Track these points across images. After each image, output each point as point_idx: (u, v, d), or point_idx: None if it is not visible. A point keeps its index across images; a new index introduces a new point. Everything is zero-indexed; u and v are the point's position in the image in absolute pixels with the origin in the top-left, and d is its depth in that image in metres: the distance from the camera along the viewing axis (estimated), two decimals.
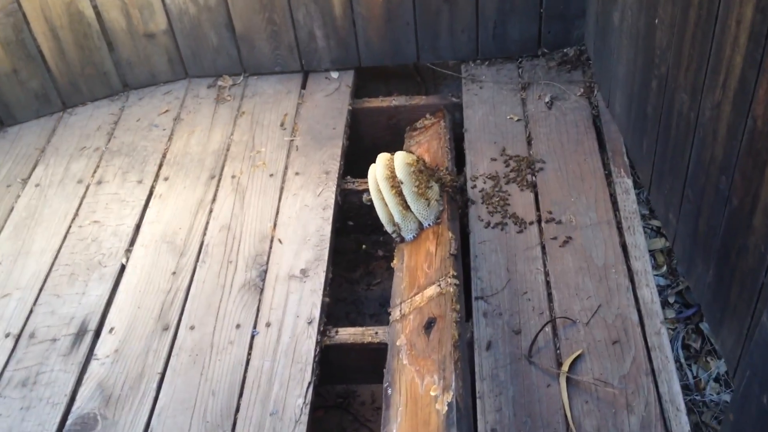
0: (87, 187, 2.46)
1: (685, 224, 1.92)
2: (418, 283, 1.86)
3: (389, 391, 1.62)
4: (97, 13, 2.61)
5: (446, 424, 1.47)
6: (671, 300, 2.23)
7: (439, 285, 1.80)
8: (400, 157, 2.01)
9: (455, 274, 1.84)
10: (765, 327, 1.26)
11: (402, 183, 1.97)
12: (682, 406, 1.72)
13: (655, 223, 2.37)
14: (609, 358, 1.82)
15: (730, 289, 1.69)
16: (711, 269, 1.78)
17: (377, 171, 2.01)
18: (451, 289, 1.78)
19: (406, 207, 2.00)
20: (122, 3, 2.60)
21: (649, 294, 1.96)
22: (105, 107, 2.77)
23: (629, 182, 2.26)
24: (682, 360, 2.10)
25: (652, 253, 2.26)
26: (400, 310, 1.84)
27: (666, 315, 2.10)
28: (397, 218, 2.00)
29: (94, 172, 2.51)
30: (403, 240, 2.06)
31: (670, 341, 2.02)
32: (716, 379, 2.06)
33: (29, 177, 2.52)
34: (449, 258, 1.88)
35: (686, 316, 2.17)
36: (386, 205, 2.02)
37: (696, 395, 2.02)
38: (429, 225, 2.02)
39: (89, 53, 2.68)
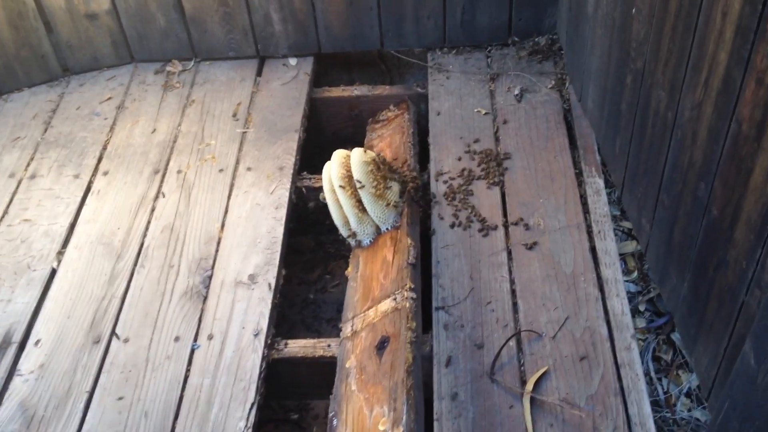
0: (19, 182, 2.27)
1: (659, 231, 1.79)
2: (373, 296, 1.71)
3: (334, 422, 1.47)
4: None
5: None
6: (642, 308, 2.10)
7: (395, 299, 1.65)
8: (357, 156, 1.84)
9: (413, 286, 1.69)
10: (747, 357, 1.13)
11: (359, 184, 1.81)
12: (653, 430, 1.59)
13: (627, 225, 2.23)
14: (576, 376, 1.69)
15: (706, 305, 1.56)
16: (686, 281, 1.65)
17: (332, 170, 1.85)
18: (408, 304, 1.63)
19: (363, 210, 1.84)
20: None
21: (619, 305, 1.83)
22: (43, 93, 2.57)
23: (601, 182, 2.13)
24: (653, 374, 1.97)
25: (622, 257, 2.13)
26: (352, 326, 1.68)
27: (636, 324, 1.97)
28: (352, 222, 1.85)
29: (28, 165, 2.32)
30: (359, 245, 1.91)
31: (641, 353, 1.90)
32: (687, 395, 1.94)
33: None
34: (407, 267, 1.73)
35: (657, 326, 2.04)
36: (341, 207, 1.85)
37: (666, 412, 1.89)
38: (387, 229, 1.87)
39: (25, 34, 2.47)
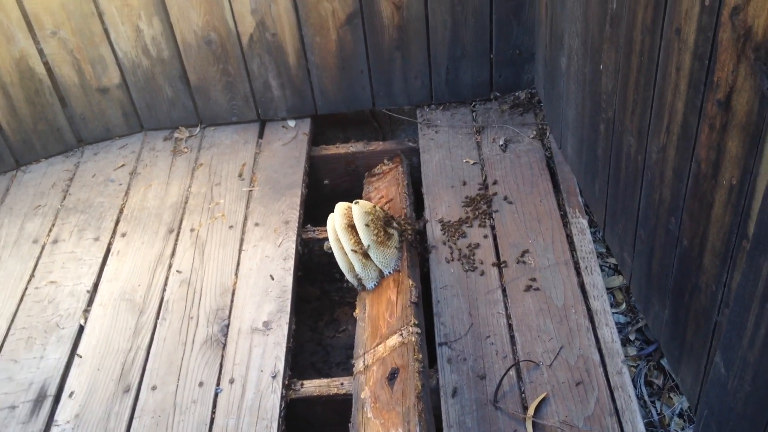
0: (42, 247, 2.42)
1: (639, 264, 1.97)
2: (380, 333, 1.87)
3: None
4: (48, 69, 2.60)
5: None
6: (632, 337, 2.26)
7: (401, 334, 1.81)
8: (358, 208, 2.02)
9: (417, 322, 1.85)
10: (718, 367, 1.29)
11: (362, 234, 1.98)
12: None
13: (612, 261, 2.41)
14: (573, 399, 1.84)
15: (686, 328, 1.73)
16: (667, 308, 1.82)
17: (336, 221, 2.02)
18: (413, 338, 1.79)
19: (366, 256, 2.01)
20: (74, 58, 2.60)
21: (609, 333, 1.99)
22: (59, 164, 2.74)
23: (584, 222, 2.31)
24: (646, 397, 2.12)
25: (610, 290, 2.30)
26: (364, 362, 1.84)
27: (627, 352, 2.13)
28: (357, 268, 2.01)
29: (50, 230, 2.48)
30: (364, 288, 2.07)
31: (633, 379, 2.06)
32: (680, 415, 2.09)
33: None
34: (410, 306, 1.89)
35: (647, 353, 2.20)
36: (346, 254, 2.02)
37: (661, 431, 2.04)
38: (389, 273, 2.03)
39: (41, 109, 2.66)
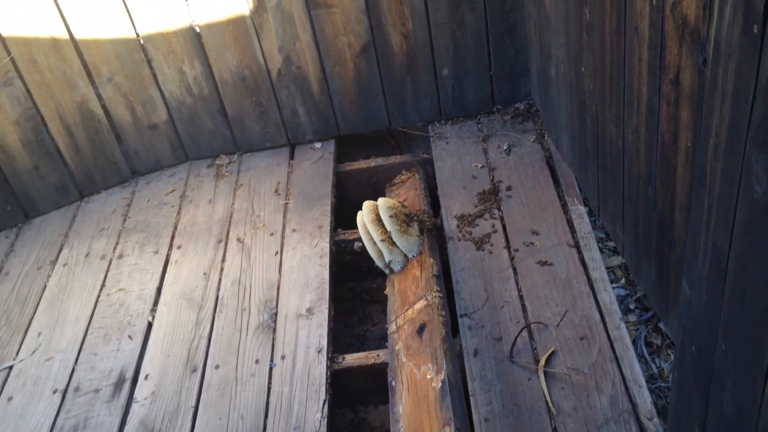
0: (110, 262, 2.77)
1: (629, 234, 2.28)
2: (408, 301, 2.19)
3: (393, 383, 1.93)
4: (106, 111, 2.99)
5: (441, 394, 1.77)
6: (632, 307, 2.55)
7: (426, 299, 2.13)
8: (383, 202, 2.36)
9: (438, 289, 2.17)
10: (685, 290, 1.60)
11: (387, 224, 2.32)
12: (644, 384, 2.03)
13: (611, 244, 2.71)
14: (578, 351, 2.13)
15: (668, 280, 2.03)
16: (653, 267, 2.13)
17: (364, 216, 2.36)
18: (437, 300, 2.11)
19: (393, 243, 2.34)
20: (127, 100, 2.98)
21: (607, 297, 2.29)
22: (117, 193, 3.11)
23: (582, 209, 2.62)
24: (646, 355, 2.41)
25: (611, 269, 2.60)
26: (396, 324, 2.15)
27: (628, 319, 2.42)
28: (385, 254, 2.34)
29: (115, 248, 2.83)
30: (392, 272, 2.39)
31: (634, 340, 2.35)
32: None
33: (57, 258, 2.83)
34: (433, 278, 2.21)
35: (646, 319, 2.49)
36: (375, 243, 2.35)
37: (661, 383, 2.32)
38: (413, 256, 2.36)
39: (100, 146, 3.04)
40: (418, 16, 2.87)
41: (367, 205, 2.41)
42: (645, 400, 1.99)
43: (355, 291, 3.00)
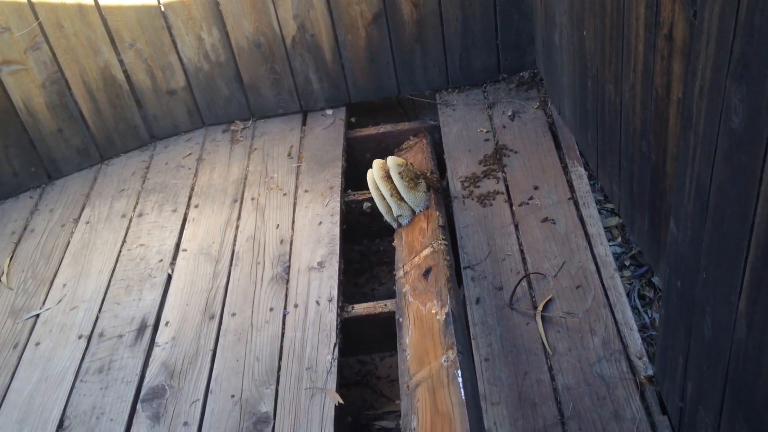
0: (130, 220, 2.90)
1: (624, 189, 2.39)
2: (415, 249, 2.31)
3: (401, 320, 2.05)
4: (127, 76, 3.11)
5: (445, 324, 1.90)
6: (627, 263, 2.66)
7: (432, 246, 2.25)
8: (392, 160, 2.48)
9: (444, 238, 2.29)
10: (672, 229, 1.71)
11: (395, 180, 2.44)
12: (635, 327, 2.15)
13: (609, 205, 2.83)
14: (574, 298, 2.25)
15: (660, 231, 2.14)
16: (646, 219, 2.24)
17: (374, 172, 2.48)
18: (442, 247, 2.23)
19: (401, 198, 2.46)
20: (147, 66, 3.10)
21: (603, 251, 2.41)
22: (137, 156, 3.24)
23: (582, 170, 2.73)
24: (639, 307, 2.52)
25: (608, 229, 2.71)
26: (403, 270, 2.28)
27: (623, 274, 2.54)
28: (393, 208, 2.46)
29: (135, 207, 2.96)
30: (400, 225, 2.52)
31: (628, 293, 2.46)
32: None
33: (79, 217, 2.97)
34: (438, 228, 2.34)
35: (640, 274, 2.61)
36: (384, 199, 2.47)
37: (652, 331, 2.44)
38: (420, 211, 2.48)
39: (121, 111, 3.16)
40: None
41: (377, 163, 2.53)
42: (636, 341, 2.11)
43: (363, 253, 3.12)
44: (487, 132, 3.00)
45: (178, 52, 3.10)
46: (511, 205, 2.62)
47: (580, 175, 2.71)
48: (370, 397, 2.70)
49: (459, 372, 1.77)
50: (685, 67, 1.75)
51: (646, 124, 2.07)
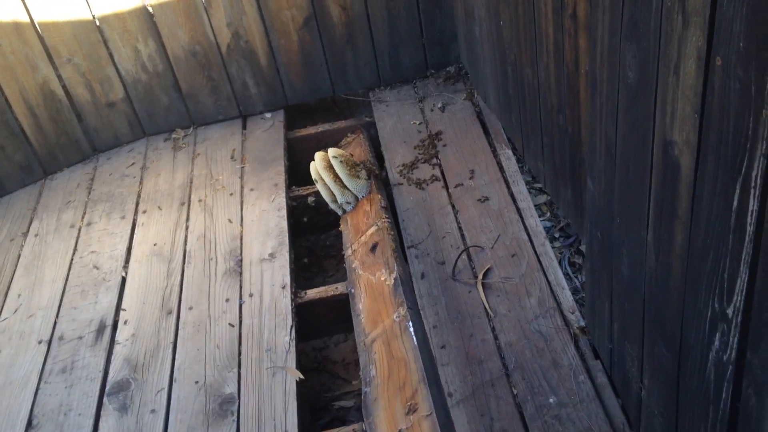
0: (79, 229, 2.97)
1: (548, 164, 2.59)
2: (361, 230, 2.46)
3: (353, 291, 2.20)
4: (66, 91, 3.18)
5: (394, 287, 2.05)
6: (556, 235, 2.87)
7: (377, 225, 2.41)
8: (332, 151, 2.63)
9: (387, 217, 2.45)
10: (589, 187, 1.90)
11: (337, 169, 2.59)
12: (566, 286, 2.34)
13: (537, 185, 3.03)
14: (510, 265, 2.44)
15: (581, 196, 2.34)
16: (569, 188, 2.44)
17: (317, 164, 2.62)
18: (386, 224, 2.39)
19: (344, 186, 2.60)
20: (86, 79, 3.18)
21: (533, 222, 2.60)
22: (80, 169, 3.30)
23: (510, 152, 2.93)
24: (570, 273, 2.72)
25: (537, 206, 2.90)
26: (351, 249, 2.42)
27: (554, 245, 2.73)
28: (338, 195, 2.61)
29: (83, 217, 3.03)
30: (345, 212, 2.66)
31: (559, 261, 2.66)
32: None
33: (28, 230, 3.01)
34: (381, 209, 2.50)
35: (569, 243, 2.81)
36: (328, 188, 2.62)
37: (582, 294, 2.64)
38: (363, 196, 2.63)
39: (62, 125, 3.22)
40: None
41: (318, 154, 2.67)
42: (567, 298, 2.30)
43: (310, 249, 3.25)
44: (420, 124, 3.18)
45: (115, 65, 3.19)
46: (447, 188, 2.80)
47: (508, 156, 2.90)
48: (328, 380, 2.82)
49: (410, 323, 1.92)
50: (588, 42, 1.95)
51: (561, 99, 2.27)
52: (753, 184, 1.03)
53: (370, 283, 2.18)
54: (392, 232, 2.37)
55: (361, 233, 2.44)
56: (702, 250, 1.23)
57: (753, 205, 1.03)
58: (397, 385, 1.80)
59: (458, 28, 3.30)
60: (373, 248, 2.31)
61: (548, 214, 2.91)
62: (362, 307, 2.13)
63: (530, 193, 2.87)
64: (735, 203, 1.06)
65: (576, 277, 2.73)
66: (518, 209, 2.66)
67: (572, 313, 2.25)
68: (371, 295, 2.12)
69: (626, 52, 1.45)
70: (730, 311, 1.19)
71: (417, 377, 1.82)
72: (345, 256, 2.46)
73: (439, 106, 3.24)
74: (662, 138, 1.31)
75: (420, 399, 1.75)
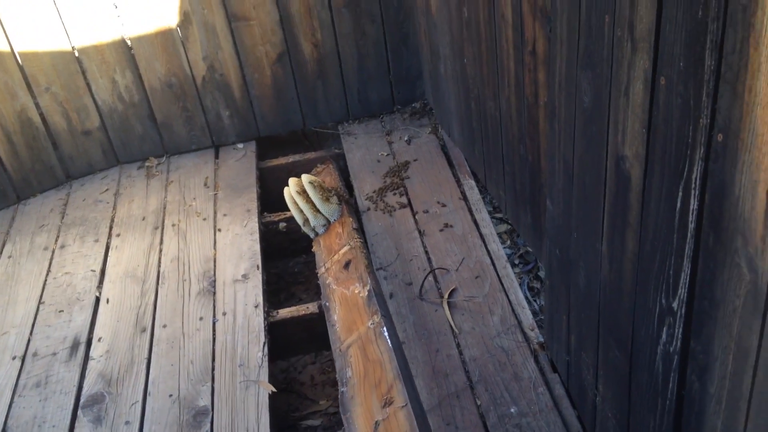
0: (53, 252, 3.02)
1: (509, 192, 2.75)
2: (334, 250, 2.58)
3: (327, 304, 2.30)
4: (43, 119, 3.26)
5: (368, 298, 2.16)
6: (516, 261, 3.02)
7: (349, 245, 2.52)
8: (305, 177, 2.76)
9: (359, 237, 2.57)
10: (549, 207, 2.06)
11: (310, 193, 2.71)
12: (526, 306, 2.48)
13: (498, 215, 3.19)
14: (474, 286, 2.57)
15: (540, 220, 2.50)
16: (529, 213, 2.60)
17: (291, 189, 2.74)
18: (359, 244, 2.51)
19: (316, 210, 2.72)
20: (63, 108, 3.27)
21: (496, 247, 2.75)
22: (53, 195, 3.37)
23: (473, 182, 3.09)
24: (529, 297, 2.87)
25: (499, 234, 3.06)
26: (325, 267, 2.53)
27: (515, 271, 2.88)
28: (310, 219, 2.72)
29: (56, 240, 3.08)
30: (317, 234, 2.78)
31: (519, 286, 2.80)
32: None
33: (1, 252, 3.06)
34: (353, 230, 2.62)
35: (528, 269, 2.97)
36: (301, 211, 2.73)
37: (541, 316, 2.78)
38: (335, 220, 2.75)
39: (38, 152, 3.29)
40: (326, 28, 3.31)
41: (292, 180, 2.79)
42: (528, 317, 2.44)
43: (279, 275, 3.34)
44: (387, 155, 3.33)
45: (92, 95, 3.28)
46: (414, 214, 2.94)
47: (471, 186, 3.06)
48: (295, 401, 2.90)
49: (384, 329, 2.03)
50: (547, 75, 2.13)
51: (522, 129, 2.44)
52: (693, 185, 1.18)
53: (344, 296, 2.29)
54: (365, 251, 2.49)
55: (335, 252, 2.56)
56: (650, 252, 1.37)
57: (693, 204, 1.19)
58: (372, 383, 1.90)
59: (424, 66, 3.48)
60: (347, 265, 2.42)
61: (509, 242, 3.07)
62: (337, 318, 2.23)
63: (492, 221, 3.03)
64: (678, 204, 1.21)
65: (534, 301, 2.87)
66: (481, 235, 2.81)
67: (532, 330, 2.38)
68: (346, 306, 2.23)
69: (582, 80, 1.61)
70: (675, 304, 1.33)
71: (392, 375, 1.93)
72: (319, 274, 2.56)
73: (406, 139, 3.40)
74: (615, 154, 1.47)
75: (395, 393, 1.86)
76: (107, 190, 3.36)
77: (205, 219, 3.08)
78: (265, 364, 2.39)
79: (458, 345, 2.37)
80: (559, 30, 1.74)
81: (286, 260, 3.29)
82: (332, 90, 3.49)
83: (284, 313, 2.62)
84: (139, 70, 3.28)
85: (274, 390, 2.32)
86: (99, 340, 2.57)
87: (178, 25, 3.20)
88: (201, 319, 2.60)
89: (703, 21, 1.08)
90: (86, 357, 2.52)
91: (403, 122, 3.54)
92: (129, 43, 3.22)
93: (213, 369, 2.40)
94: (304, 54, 3.37)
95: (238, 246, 2.91)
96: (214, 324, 2.57)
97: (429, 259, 2.73)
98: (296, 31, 3.30)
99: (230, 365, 2.40)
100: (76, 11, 3.10)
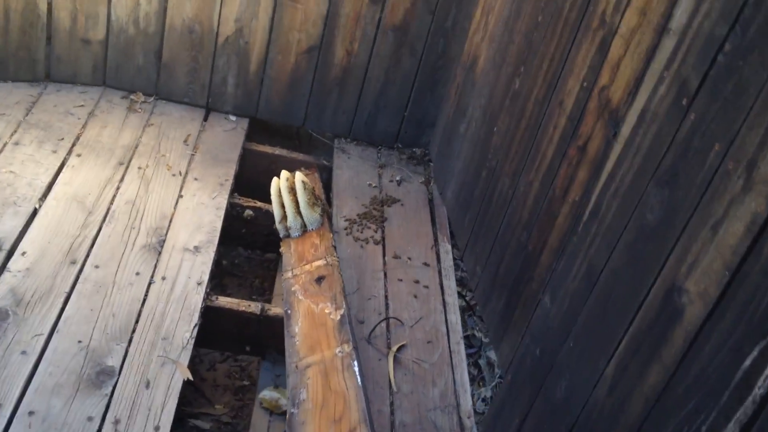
0: (4, 145, 2.75)
1: (488, 271, 2.67)
2: (306, 259, 2.42)
3: (289, 311, 2.13)
4: (49, 10, 3.01)
5: (341, 323, 2.01)
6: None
7: (326, 260, 2.37)
8: (300, 176, 2.60)
9: (336, 256, 2.42)
10: (545, 303, 1.98)
11: (299, 193, 2.56)
12: (468, 389, 2.37)
13: (458, 289, 3.10)
14: (424, 350, 2.45)
15: (514, 311, 2.42)
16: (502, 300, 2.51)
17: (281, 182, 2.59)
18: (336, 263, 2.36)
19: (298, 212, 2.57)
20: (74, 7, 3.03)
21: (455, 318, 2.65)
22: (24, 88, 3.09)
23: (449, 247, 3.00)
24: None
25: None
26: (293, 272, 2.37)
27: None
28: (289, 218, 2.57)
29: (12, 135, 2.81)
30: (289, 236, 2.62)
31: None
32: (483, 400, 2.75)
33: None
34: (332, 247, 2.47)
35: (469, 354, 2.87)
36: (282, 208, 2.57)
37: (474, 406, 2.68)
38: (312, 229, 2.60)
39: (28, 40, 3.03)
40: (366, 42, 3.21)
41: (285, 173, 2.64)
42: (467, 402, 2.33)
43: (218, 261, 3.15)
44: (374, 187, 3.21)
45: (110, 6, 3.07)
46: (384, 254, 2.81)
47: (447, 250, 2.97)
48: (192, 395, 2.68)
49: (355, 362, 1.89)
50: (590, 175, 2.07)
51: (532, 217, 2.37)
52: None
53: (311, 311, 2.13)
54: (341, 273, 2.34)
55: (307, 262, 2.40)
56: (682, 396, 1.29)
57: None
58: (331, 417, 1.75)
59: (440, 118, 3.40)
60: (319, 280, 2.26)
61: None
62: (299, 330, 2.06)
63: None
64: (747, 363, 1.14)
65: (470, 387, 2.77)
66: (444, 302, 2.70)
67: (468, 417, 2.27)
68: (311, 321, 2.07)
69: (652, 195, 1.55)
70: None
71: (358, 416, 1.78)
72: (283, 278, 2.40)
73: (398, 178, 3.29)
74: (670, 282, 1.40)
75: None
76: (82, 105, 3.11)
77: (174, 175, 2.88)
78: (190, 346, 2.20)
79: (392, 404, 2.24)
80: (639, 138, 1.68)
81: (232, 248, 3.10)
82: (345, 102, 3.37)
83: (224, 301, 2.43)
84: (167, 3, 3.08)
85: (190, 378, 2.12)
86: (23, 254, 2.32)
87: None
88: (138, 274, 2.38)
89: None
90: (3, 266, 2.26)
91: (399, 161, 3.44)
92: None
93: (133, 331, 2.19)
94: (334, 56, 3.24)
95: (200, 215, 2.72)
96: (149, 284, 2.36)
97: (387, 304, 2.60)
98: (336, 32, 3.18)
99: (152, 334, 2.20)
100: None
